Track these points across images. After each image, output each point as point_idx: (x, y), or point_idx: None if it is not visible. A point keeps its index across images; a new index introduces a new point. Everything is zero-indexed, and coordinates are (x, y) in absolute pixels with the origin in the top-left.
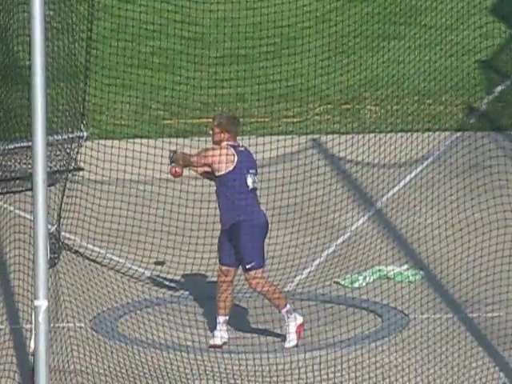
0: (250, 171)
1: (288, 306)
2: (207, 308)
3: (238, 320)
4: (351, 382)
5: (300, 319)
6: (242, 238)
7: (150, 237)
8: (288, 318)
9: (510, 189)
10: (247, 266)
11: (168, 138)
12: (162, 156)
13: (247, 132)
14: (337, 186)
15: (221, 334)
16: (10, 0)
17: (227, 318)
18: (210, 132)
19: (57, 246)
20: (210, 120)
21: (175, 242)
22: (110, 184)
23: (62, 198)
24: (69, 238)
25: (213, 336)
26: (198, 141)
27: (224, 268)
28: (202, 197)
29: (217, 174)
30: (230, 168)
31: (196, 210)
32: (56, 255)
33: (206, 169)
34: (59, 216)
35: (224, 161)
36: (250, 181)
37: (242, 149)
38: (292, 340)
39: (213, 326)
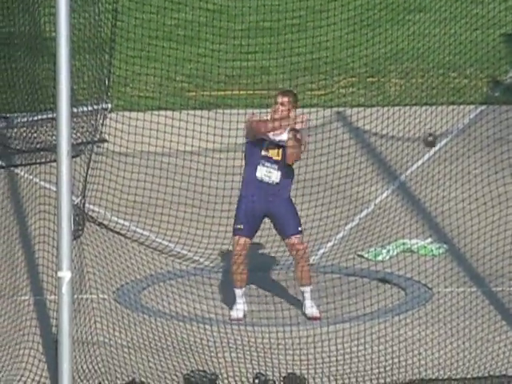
0: None
1: None
2: (230, 280)
3: (261, 292)
4: (375, 356)
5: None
6: (292, 206)
7: (174, 210)
8: (311, 299)
9: None
10: (299, 229)
11: (192, 110)
12: (186, 129)
13: (272, 104)
14: (361, 159)
15: (241, 307)
16: None
17: (244, 289)
18: (278, 106)
19: (81, 217)
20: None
21: (199, 215)
22: (133, 156)
23: (87, 170)
24: (93, 210)
25: (233, 309)
26: (223, 113)
27: (246, 240)
28: (226, 170)
29: (297, 159)
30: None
31: (220, 182)
32: (80, 227)
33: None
34: (84, 188)
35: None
36: None
37: None
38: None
39: (234, 299)
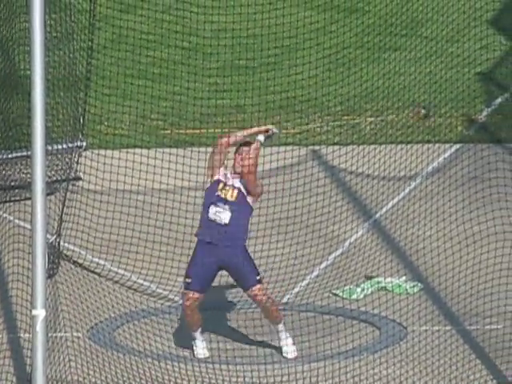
0: None
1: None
2: (205, 318)
3: (236, 332)
4: None
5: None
6: (246, 257)
7: (149, 248)
8: (285, 330)
9: (510, 201)
10: (257, 278)
11: (167, 148)
12: (161, 167)
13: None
14: (336, 197)
15: (203, 345)
16: (12, 10)
17: (200, 329)
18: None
19: (56, 256)
20: (208, 131)
21: (174, 254)
22: (109, 194)
23: (63, 208)
24: (67, 249)
25: (196, 351)
26: (198, 152)
27: (194, 294)
28: (195, 208)
29: (251, 200)
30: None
31: (194, 220)
32: (55, 265)
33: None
34: (59, 226)
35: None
36: None
37: None
38: (293, 351)
39: (210, 337)
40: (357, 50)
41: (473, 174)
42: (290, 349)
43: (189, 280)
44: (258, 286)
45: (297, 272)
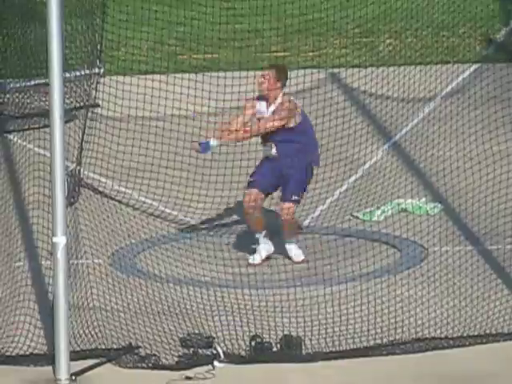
0: None
1: None
2: (224, 243)
3: (257, 256)
4: (371, 316)
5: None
6: (302, 174)
7: (168, 175)
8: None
9: None
10: (293, 198)
11: (184, 73)
12: (180, 93)
13: (266, 67)
14: (356, 120)
15: (266, 247)
16: None
17: (265, 232)
18: (262, 79)
19: (76, 183)
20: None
21: (194, 181)
22: (128, 122)
23: (83, 136)
24: (87, 176)
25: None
26: (211, 77)
27: (255, 191)
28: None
29: (292, 125)
30: (301, 119)
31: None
32: (75, 193)
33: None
34: (79, 154)
35: (299, 113)
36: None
37: None
38: (300, 254)
39: (230, 261)
40: None
41: (492, 93)
42: (297, 252)
43: (252, 179)
44: (289, 204)
45: (317, 196)
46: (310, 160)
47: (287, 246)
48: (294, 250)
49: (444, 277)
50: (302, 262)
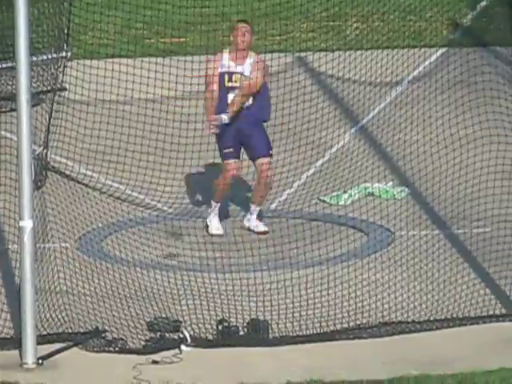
0: None
1: None
2: (191, 227)
3: (226, 239)
4: (338, 300)
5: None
6: (263, 129)
7: (135, 158)
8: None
9: (496, 105)
10: (270, 152)
11: (152, 57)
12: (147, 77)
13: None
14: (323, 104)
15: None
16: None
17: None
18: (243, 39)
19: (43, 167)
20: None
21: (161, 164)
22: (95, 105)
23: (50, 119)
24: (54, 160)
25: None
26: (184, 61)
27: (236, 161)
28: (182, 117)
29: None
30: None
31: (179, 130)
32: (42, 177)
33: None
34: (46, 137)
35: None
36: None
37: None
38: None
39: (197, 245)
40: None
41: (459, 78)
42: (257, 223)
43: (228, 150)
44: (267, 159)
45: (284, 179)
46: (265, 116)
47: (249, 217)
48: (255, 222)
49: (411, 261)
50: (264, 233)
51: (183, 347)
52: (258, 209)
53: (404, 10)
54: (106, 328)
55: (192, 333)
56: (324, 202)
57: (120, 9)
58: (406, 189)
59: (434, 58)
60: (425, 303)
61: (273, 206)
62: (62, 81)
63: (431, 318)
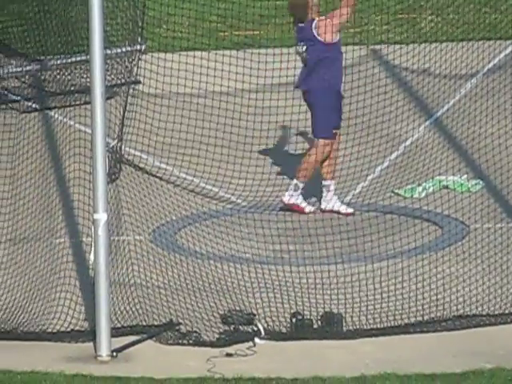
0: None
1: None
2: (265, 220)
3: (297, 233)
4: (412, 294)
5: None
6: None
7: (209, 151)
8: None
9: None
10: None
11: (226, 50)
12: (221, 70)
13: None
14: (398, 97)
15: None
16: None
17: None
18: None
19: (117, 160)
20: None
21: (235, 157)
22: (169, 98)
23: (124, 113)
24: (128, 153)
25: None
26: (258, 54)
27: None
28: (256, 110)
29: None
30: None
31: (255, 123)
32: (116, 170)
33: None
34: (120, 131)
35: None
36: None
37: None
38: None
39: (271, 238)
40: None
41: None
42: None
43: (336, 131)
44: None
45: (359, 173)
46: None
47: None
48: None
49: (486, 254)
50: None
51: (257, 340)
52: (299, 184)
53: (479, 2)
54: (180, 321)
55: (266, 326)
56: (398, 195)
57: (194, 1)
58: (481, 182)
59: (509, 50)
60: (500, 296)
61: (347, 199)
62: (136, 74)
63: (506, 312)
